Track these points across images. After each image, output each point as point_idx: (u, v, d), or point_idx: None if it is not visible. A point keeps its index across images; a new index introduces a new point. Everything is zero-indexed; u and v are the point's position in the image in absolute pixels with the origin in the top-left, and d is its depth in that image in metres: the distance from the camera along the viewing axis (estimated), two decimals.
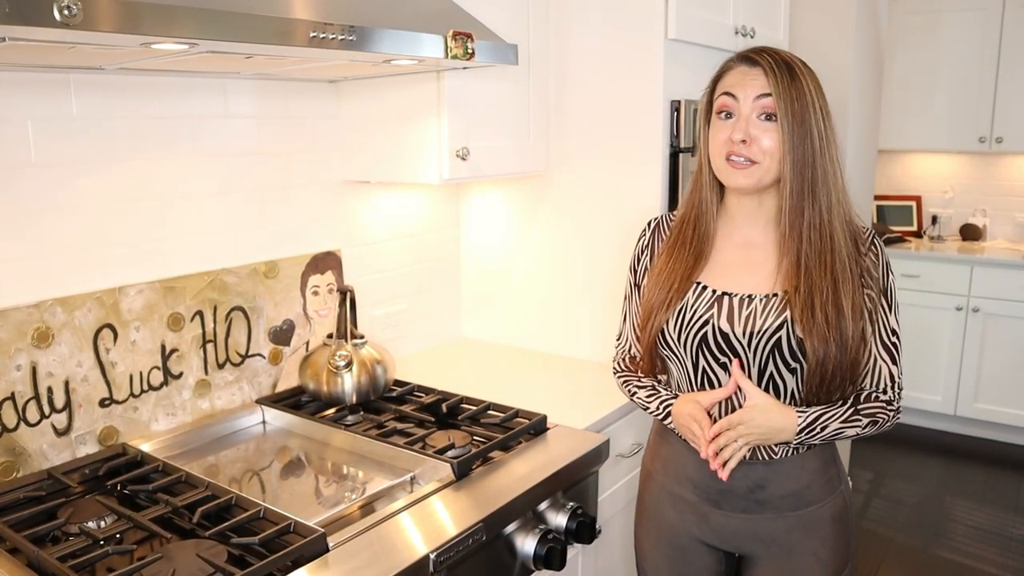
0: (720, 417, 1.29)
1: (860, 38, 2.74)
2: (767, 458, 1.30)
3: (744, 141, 1.22)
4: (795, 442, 1.27)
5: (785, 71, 1.21)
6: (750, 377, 1.28)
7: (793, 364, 1.25)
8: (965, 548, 2.98)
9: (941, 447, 3.92)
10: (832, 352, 1.21)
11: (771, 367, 1.26)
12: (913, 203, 4.44)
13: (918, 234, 4.40)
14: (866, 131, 3.01)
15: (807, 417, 1.24)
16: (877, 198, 4.36)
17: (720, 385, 1.30)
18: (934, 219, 4.33)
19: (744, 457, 1.28)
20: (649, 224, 1.46)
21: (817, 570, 1.32)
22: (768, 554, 1.34)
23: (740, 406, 1.27)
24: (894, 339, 1.28)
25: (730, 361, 1.28)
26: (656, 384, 1.43)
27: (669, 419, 1.36)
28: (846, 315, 1.21)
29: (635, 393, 1.44)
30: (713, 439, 1.26)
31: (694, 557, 1.40)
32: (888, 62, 4.07)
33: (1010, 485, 3.50)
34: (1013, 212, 4.24)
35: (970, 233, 4.21)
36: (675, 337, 1.32)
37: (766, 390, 1.28)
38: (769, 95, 1.20)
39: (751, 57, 1.25)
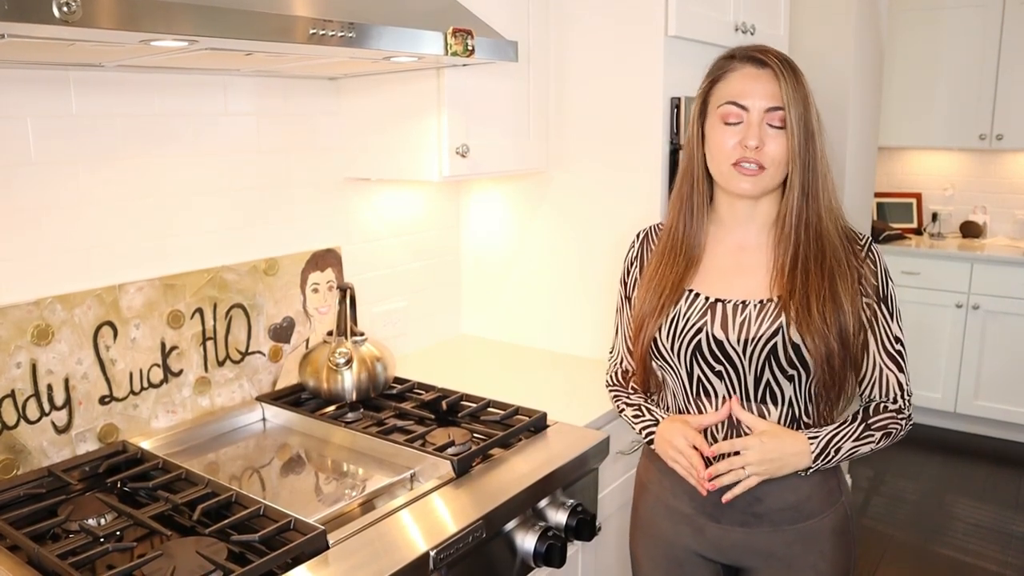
0: (719, 426, 1.27)
1: (860, 34, 2.74)
2: None
3: (758, 147, 1.19)
4: (812, 469, 1.23)
5: (791, 74, 1.19)
6: (746, 385, 1.25)
7: (790, 371, 1.22)
8: (965, 545, 2.98)
9: (941, 444, 3.92)
10: (835, 348, 1.19)
11: (767, 374, 1.23)
12: (913, 200, 4.44)
13: (918, 231, 4.39)
14: (866, 128, 3.01)
15: (820, 441, 1.22)
16: (877, 195, 4.35)
17: (716, 394, 1.28)
18: (934, 216, 4.33)
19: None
20: (638, 235, 1.43)
21: None
22: (767, 568, 1.30)
23: (738, 434, 1.26)
24: (898, 347, 1.26)
25: (725, 369, 1.25)
26: (643, 403, 1.39)
27: (653, 444, 1.34)
28: (846, 311, 1.20)
29: (623, 410, 1.42)
30: (710, 462, 1.23)
31: (692, 570, 1.37)
32: (888, 58, 4.07)
33: (1010, 482, 3.50)
34: (1013, 209, 4.23)
35: (970, 230, 4.20)
36: (668, 347, 1.28)
37: (763, 398, 1.25)
38: (781, 108, 1.18)
39: (758, 58, 1.20)
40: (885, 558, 2.90)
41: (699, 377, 1.28)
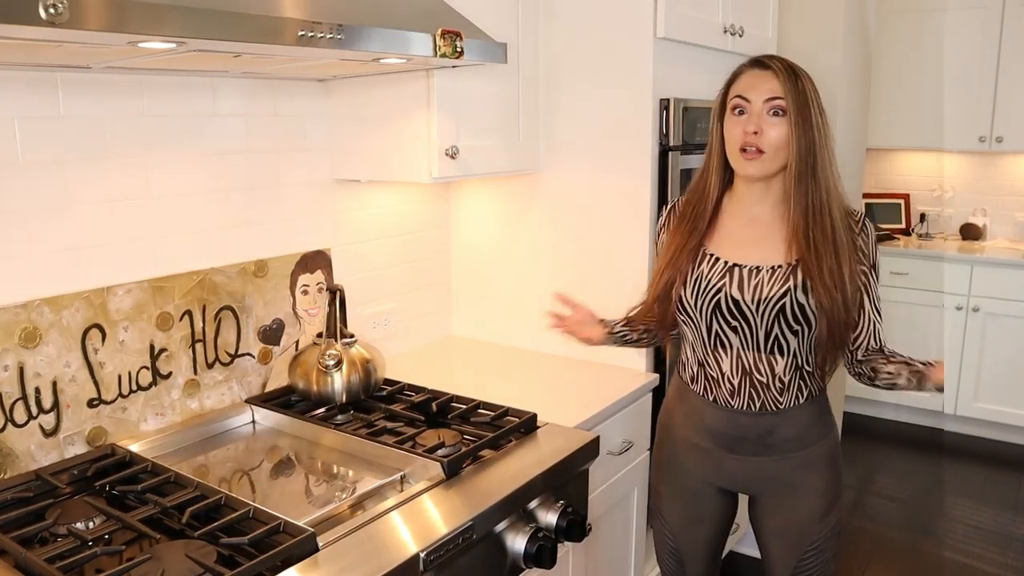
0: (733, 373, 1.52)
1: (848, 36, 2.74)
2: (775, 409, 1.50)
3: (756, 132, 1.41)
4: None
5: (791, 74, 1.43)
6: (757, 339, 1.48)
7: (795, 327, 1.45)
8: (965, 548, 2.97)
9: (940, 446, 3.91)
10: (838, 307, 1.41)
11: (776, 329, 1.45)
12: (901, 201, 4.44)
13: (907, 232, 4.39)
14: (854, 129, 3.01)
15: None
16: (865, 196, 4.35)
17: (732, 346, 1.49)
18: (922, 217, 4.33)
19: (754, 409, 1.51)
20: (666, 206, 1.67)
21: (816, 502, 1.54)
22: (775, 491, 1.55)
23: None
24: (879, 304, 1.53)
25: (740, 325, 1.47)
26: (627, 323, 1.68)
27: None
28: (846, 279, 1.41)
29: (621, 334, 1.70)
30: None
31: (707, 498, 1.62)
32: (885, 60, 4.07)
33: (1010, 484, 3.50)
34: (1013, 211, 4.22)
35: (970, 233, 4.19)
36: (692, 303, 1.51)
37: (771, 350, 1.48)
38: (780, 98, 1.41)
39: (762, 61, 1.46)
40: (885, 560, 2.89)
41: (716, 331, 1.51)
